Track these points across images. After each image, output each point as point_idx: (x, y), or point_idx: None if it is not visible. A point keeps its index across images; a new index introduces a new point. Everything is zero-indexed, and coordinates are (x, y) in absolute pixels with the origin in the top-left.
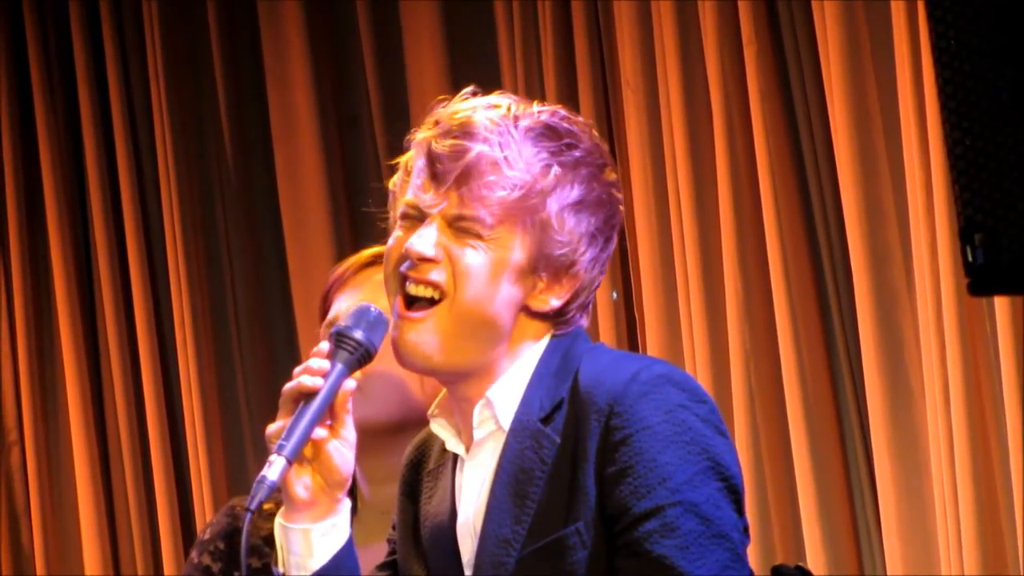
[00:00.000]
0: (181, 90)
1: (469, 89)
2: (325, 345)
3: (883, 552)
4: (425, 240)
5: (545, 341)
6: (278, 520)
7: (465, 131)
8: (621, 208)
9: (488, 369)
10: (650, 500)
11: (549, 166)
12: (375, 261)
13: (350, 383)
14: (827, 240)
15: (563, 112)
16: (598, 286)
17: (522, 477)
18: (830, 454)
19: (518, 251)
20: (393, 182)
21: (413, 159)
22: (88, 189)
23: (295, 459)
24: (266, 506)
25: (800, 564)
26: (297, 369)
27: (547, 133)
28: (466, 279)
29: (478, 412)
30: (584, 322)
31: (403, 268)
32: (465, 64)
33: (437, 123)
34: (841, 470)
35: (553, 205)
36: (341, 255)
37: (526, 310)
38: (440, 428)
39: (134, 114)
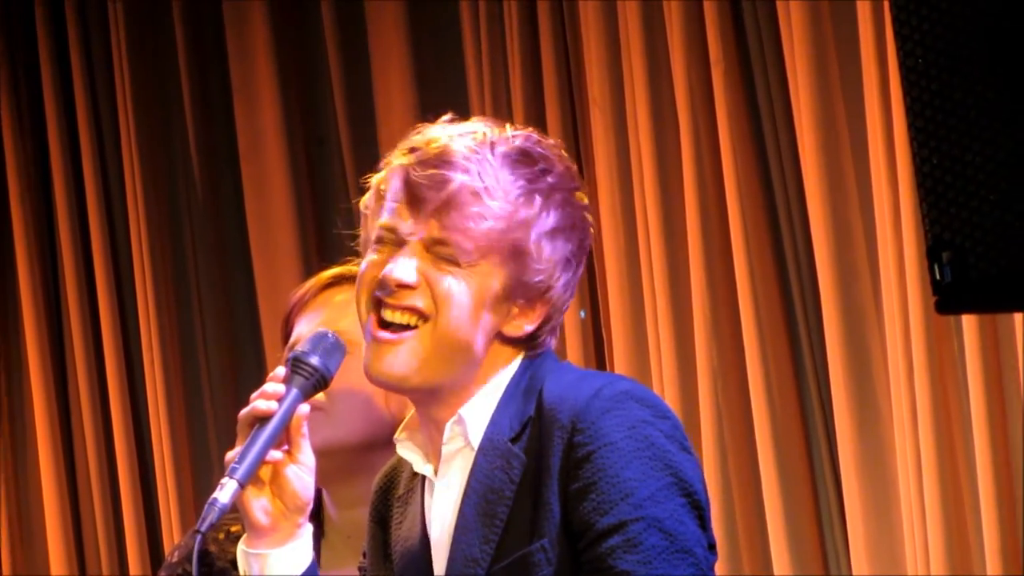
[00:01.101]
0: (149, 111)
1: (447, 117)
2: (281, 370)
3: (850, 569)
4: (405, 267)
5: (516, 363)
6: (240, 546)
7: (444, 160)
8: (592, 230)
9: (459, 390)
10: (613, 516)
11: (528, 194)
12: (335, 282)
13: (304, 408)
14: (795, 258)
15: (535, 136)
16: (567, 308)
17: (491, 497)
18: (798, 472)
19: (496, 279)
20: (364, 203)
21: (387, 182)
22: (55, 210)
23: (247, 482)
24: (233, 528)
25: None
26: (253, 394)
27: (523, 159)
28: (447, 305)
29: (449, 428)
30: (553, 343)
31: (378, 293)
32: (433, 87)
33: (413, 150)
34: (809, 488)
35: (532, 234)
36: (308, 274)
37: (500, 336)
38: (407, 451)
39: (102, 135)
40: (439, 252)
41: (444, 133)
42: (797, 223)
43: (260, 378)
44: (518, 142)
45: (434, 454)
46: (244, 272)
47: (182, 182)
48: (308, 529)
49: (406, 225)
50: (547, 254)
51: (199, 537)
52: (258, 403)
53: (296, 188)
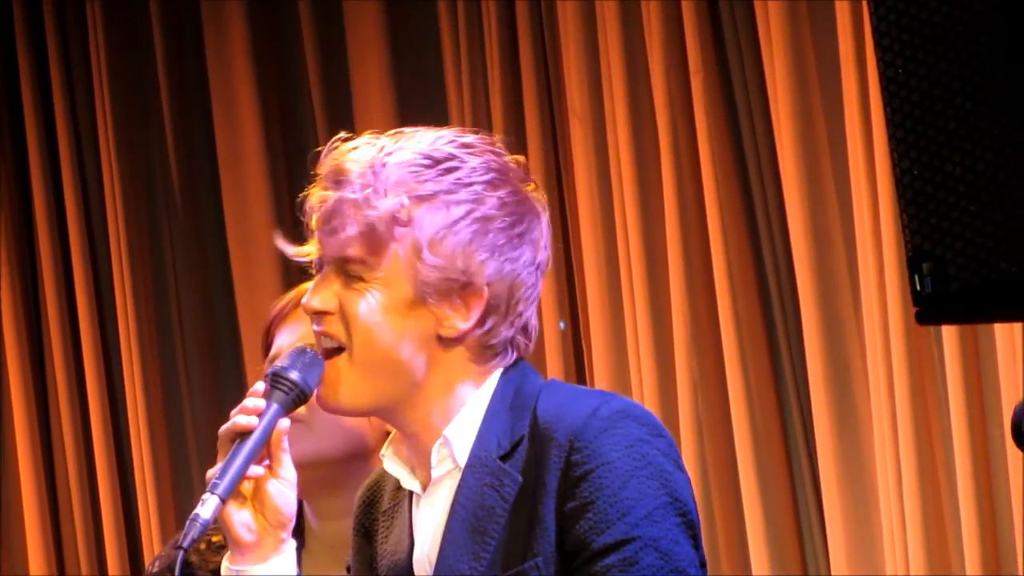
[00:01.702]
0: (128, 124)
1: (342, 135)
2: (261, 385)
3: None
4: (315, 295)
5: (495, 377)
6: (224, 563)
7: (334, 179)
8: (531, 213)
9: (416, 402)
10: (610, 535)
11: (423, 195)
12: None
13: (284, 422)
14: (775, 269)
15: (452, 135)
16: (532, 301)
17: (482, 514)
18: (778, 483)
19: (404, 284)
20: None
21: (304, 211)
22: (35, 221)
23: (228, 497)
24: (215, 538)
25: None
26: (234, 410)
27: (421, 162)
28: (356, 326)
29: (435, 452)
30: (524, 345)
31: (313, 325)
32: (413, 101)
33: (318, 176)
34: (789, 496)
35: (423, 232)
36: (288, 286)
37: (440, 340)
38: (393, 466)
39: (81, 145)
40: (347, 271)
41: (345, 150)
42: (777, 233)
43: (239, 388)
44: (423, 146)
45: (420, 469)
46: (224, 282)
47: (161, 193)
48: (291, 545)
49: (317, 250)
50: (448, 248)
51: (181, 553)
52: (238, 418)
53: (276, 200)
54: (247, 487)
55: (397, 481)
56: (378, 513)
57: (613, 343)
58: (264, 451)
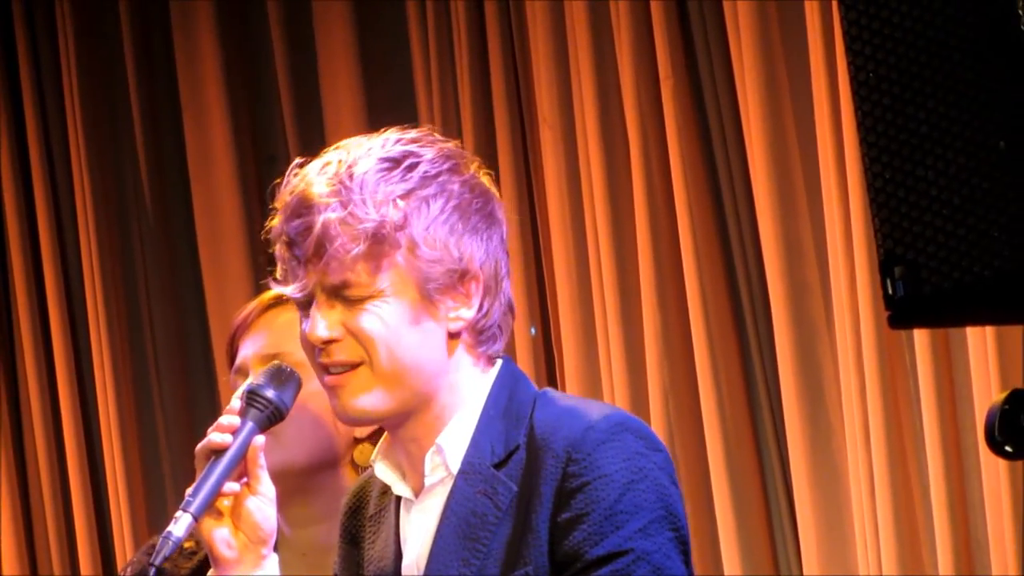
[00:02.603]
0: (98, 127)
1: (297, 161)
2: (236, 403)
3: None
4: (318, 325)
5: (487, 381)
6: None
7: (305, 205)
8: (490, 192)
9: (429, 404)
10: (603, 547)
11: (398, 197)
12: (278, 302)
13: (260, 439)
14: (746, 275)
15: (396, 135)
16: (508, 276)
17: (474, 521)
18: (750, 490)
19: (408, 290)
20: (277, 271)
21: (275, 248)
22: (5, 227)
23: (201, 515)
24: (186, 544)
25: None
26: (210, 428)
27: (384, 166)
28: (374, 344)
29: (429, 460)
30: (509, 325)
31: (318, 358)
32: (383, 106)
33: (283, 207)
34: (762, 505)
35: (415, 231)
36: (259, 290)
37: (449, 334)
38: (384, 472)
39: (51, 154)
40: (343, 295)
41: (302, 177)
42: (748, 240)
43: (210, 394)
44: (375, 152)
45: (412, 475)
46: (194, 290)
47: (132, 202)
48: (273, 560)
49: (301, 284)
50: (442, 240)
51: (153, 571)
52: (213, 436)
53: (246, 206)
54: (225, 504)
55: (383, 486)
56: (364, 519)
57: (584, 349)
58: (240, 468)
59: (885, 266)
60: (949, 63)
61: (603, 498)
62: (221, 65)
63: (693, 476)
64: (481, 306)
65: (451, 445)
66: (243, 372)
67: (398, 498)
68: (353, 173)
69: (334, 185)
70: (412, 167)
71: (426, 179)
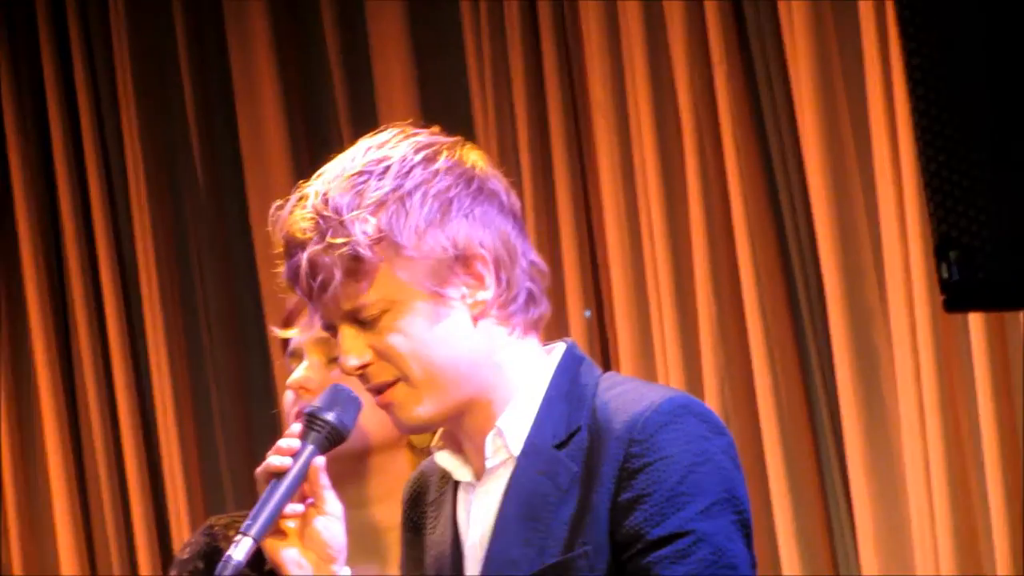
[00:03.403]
0: (150, 109)
1: (277, 203)
2: (296, 426)
3: (860, 569)
4: (347, 356)
5: (550, 364)
6: None
7: (291, 244)
8: (475, 168)
9: (481, 393)
10: (664, 528)
11: (376, 208)
12: None
13: (320, 460)
14: (800, 258)
15: (365, 144)
16: (525, 239)
17: (535, 501)
18: (806, 473)
19: (413, 294)
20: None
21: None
22: (61, 216)
23: (261, 538)
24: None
25: None
26: (270, 451)
27: (356, 181)
28: (404, 360)
29: (490, 442)
30: (544, 286)
31: (363, 384)
32: (434, 84)
33: (280, 251)
34: (817, 487)
35: (396, 237)
36: None
37: (475, 319)
38: (446, 459)
39: (105, 141)
40: (360, 318)
41: (285, 215)
42: (802, 222)
43: (264, 372)
44: (348, 167)
45: (475, 459)
46: (247, 268)
47: (185, 180)
48: (346, 573)
49: (318, 316)
50: (429, 235)
51: None
52: (272, 459)
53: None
54: (290, 525)
55: (442, 472)
56: (425, 505)
57: (638, 331)
58: (302, 490)
59: (940, 250)
60: (1004, 43)
61: (665, 479)
62: (273, 45)
63: (748, 458)
64: (498, 281)
65: (512, 427)
66: (297, 356)
67: (456, 482)
68: (328, 199)
69: (311, 217)
70: (383, 172)
71: (399, 178)
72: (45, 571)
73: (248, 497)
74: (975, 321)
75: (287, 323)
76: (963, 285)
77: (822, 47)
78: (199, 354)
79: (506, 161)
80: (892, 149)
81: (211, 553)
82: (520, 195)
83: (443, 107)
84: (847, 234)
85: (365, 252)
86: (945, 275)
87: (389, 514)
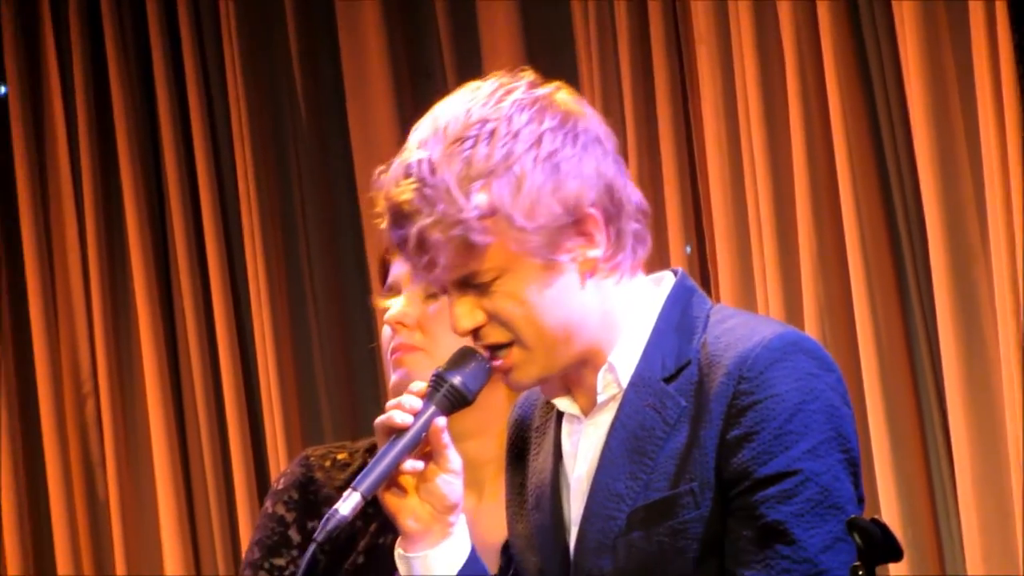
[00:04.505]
0: (254, 51)
1: (380, 168)
2: (420, 384)
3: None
4: (458, 319)
5: (660, 294)
6: (397, 551)
7: (398, 215)
8: (575, 117)
9: (592, 345)
10: (771, 467)
11: (477, 184)
12: None
13: (441, 420)
14: (902, 196)
15: (466, 102)
16: (625, 179)
17: (642, 434)
18: (904, 407)
19: (526, 260)
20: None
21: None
22: (163, 155)
23: (370, 495)
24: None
25: (875, 517)
26: (391, 402)
27: (460, 148)
28: (516, 324)
29: (602, 377)
30: (647, 223)
31: (474, 343)
32: (538, 24)
33: (384, 212)
34: (916, 420)
35: (509, 208)
36: None
37: (583, 275)
38: (553, 394)
39: (208, 77)
40: (473, 283)
41: (392, 185)
42: (904, 160)
43: (364, 310)
44: (452, 130)
45: (580, 391)
46: (349, 206)
47: (288, 119)
48: (461, 524)
49: (428, 282)
50: (541, 202)
51: (312, 547)
52: (394, 414)
53: (402, 123)
54: (408, 480)
55: (545, 399)
56: (531, 430)
57: (739, 268)
58: (422, 446)
59: None
60: None
61: (773, 417)
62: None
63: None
64: (608, 237)
65: (622, 361)
66: (395, 290)
67: (559, 412)
68: (435, 169)
69: (419, 189)
70: (489, 136)
71: (506, 142)
72: (142, 498)
73: (345, 428)
74: None
75: (387, 256)
76: None
77: (931, 25)
78: (299, 285)
79: (609, 99)
80: (995, 89)
81: (306, 483)
82: (623, 132)
83: (545, 36)
84: (949, 173)
85: (478, 235)
86: None
87: (485, 448)
